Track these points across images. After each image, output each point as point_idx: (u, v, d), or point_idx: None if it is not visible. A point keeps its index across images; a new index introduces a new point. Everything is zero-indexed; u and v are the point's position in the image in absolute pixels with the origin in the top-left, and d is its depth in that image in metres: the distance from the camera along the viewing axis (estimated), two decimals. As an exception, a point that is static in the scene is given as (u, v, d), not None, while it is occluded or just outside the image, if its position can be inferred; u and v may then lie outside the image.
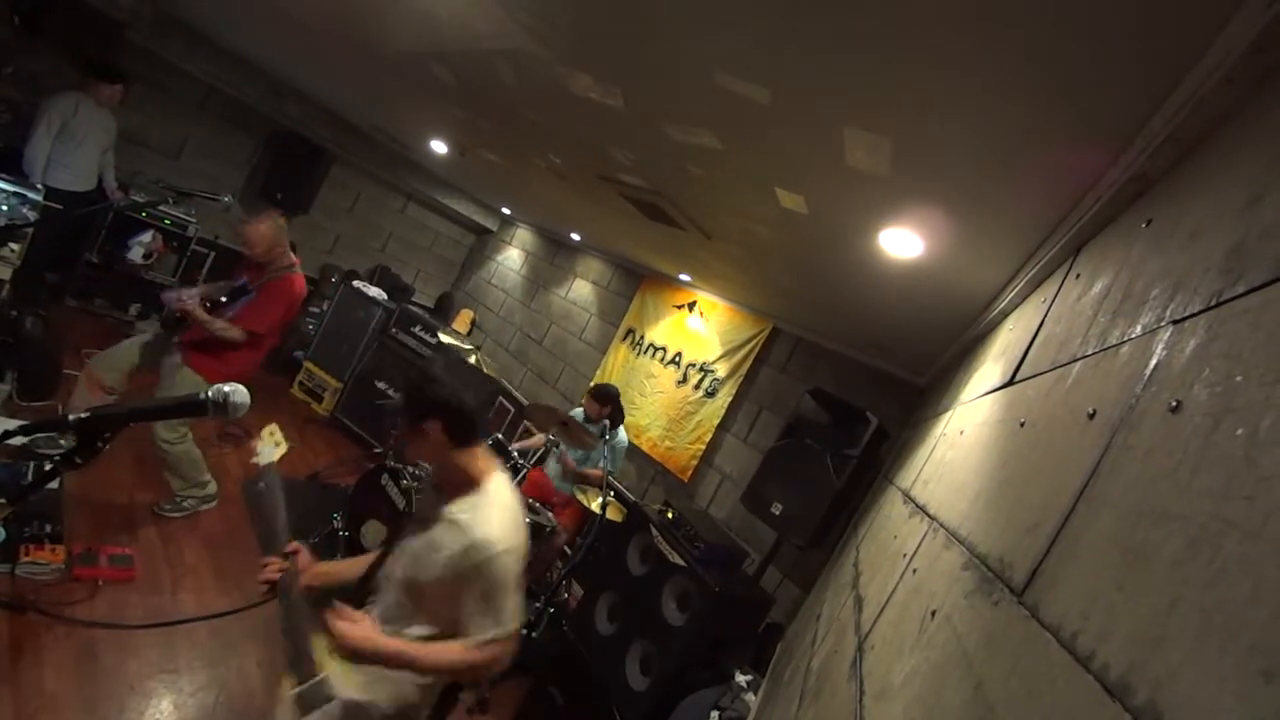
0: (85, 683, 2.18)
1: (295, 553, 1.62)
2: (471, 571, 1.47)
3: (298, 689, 1.41)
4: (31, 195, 3.56)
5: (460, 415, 1.57)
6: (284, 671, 1.48)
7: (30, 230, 3.52)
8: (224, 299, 3.13)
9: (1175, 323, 0.68)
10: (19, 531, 2.51)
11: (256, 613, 2.84)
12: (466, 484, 1.59)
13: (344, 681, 1.48)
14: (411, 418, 1.56)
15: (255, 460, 1.79)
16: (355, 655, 1.44)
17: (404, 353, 5.37)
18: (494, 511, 1.55)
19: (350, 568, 1.78)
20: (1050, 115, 1.16)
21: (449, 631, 1.53)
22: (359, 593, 1.67)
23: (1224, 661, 0.37)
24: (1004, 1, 0.95)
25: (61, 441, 2.98)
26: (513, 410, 6.18)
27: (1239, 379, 0.50)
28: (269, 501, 1.69)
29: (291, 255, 3.23)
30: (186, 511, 3.27)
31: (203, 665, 2.46)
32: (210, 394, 1.20)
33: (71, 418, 1.06)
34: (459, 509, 1.55)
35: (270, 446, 1.80)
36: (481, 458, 1.64)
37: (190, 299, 2.96)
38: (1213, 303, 0.62)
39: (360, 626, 1.45)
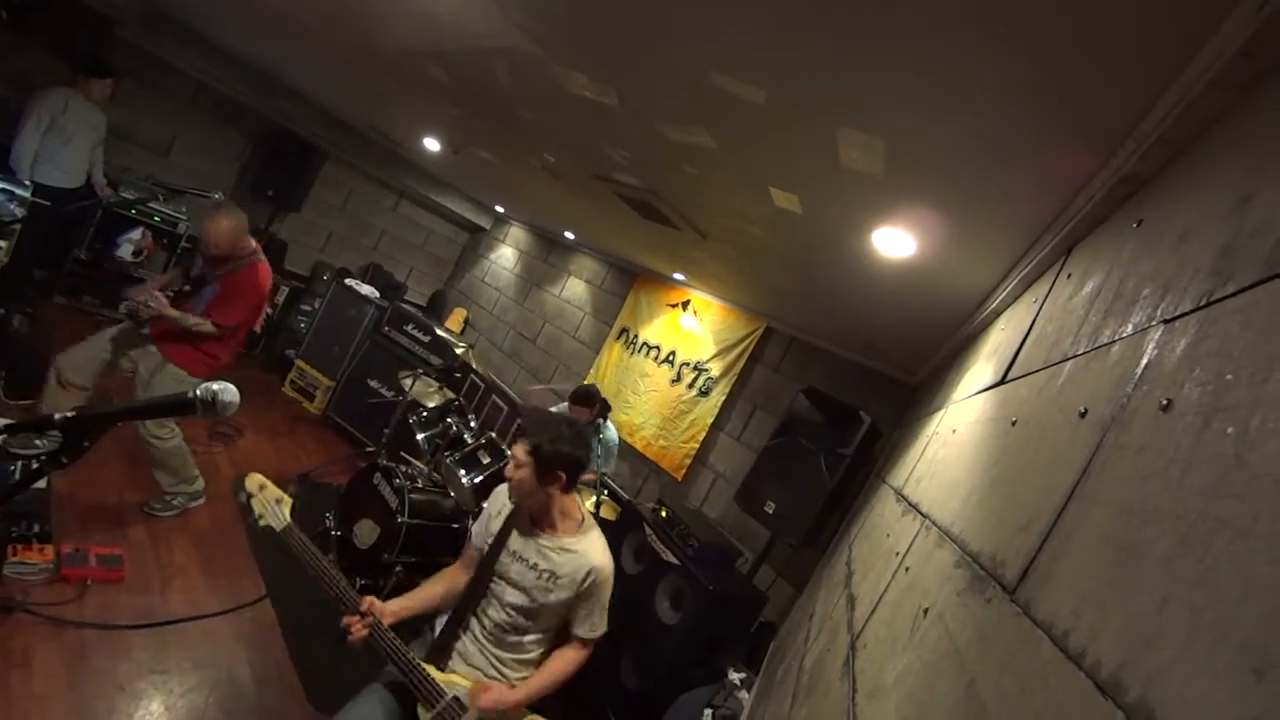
0: (74, 684, 2.16)
1: (370, 608, 1.79)
2: (590, 588, 1.86)
3: (434, 713, 1.67)
4: (19, 192, 3.52)
5: (580, 469, 1.88)
6: (420, 704, 1.72)
7: (18, 227, 3.49)
8: (186, 287, 3.04)
9: (1166, 322, 0.68)
10: (6, 531, 2.48)
11: (247, 613, 2.84)
12: (573, 521, 1.93)
13: (469, 693, 1.75)
14: (544, 469, 1.81)
15: (264, 524, 1.85)
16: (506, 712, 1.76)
17: (396, 351, 5.35)
18: (601, 543, 1.93)
19: (420, 599, 1.96)
20: (1043, 117, 1.16)
21: (555, 631, 1.93)
22: (456, 620, 1.90)
23: (1215, 659, 0.37)
24: (999, 4, 0.96)
25: (39, 442, 2.91)
26: (506, 409, 6.16)
27: (1229, 378, 0.51)
28: (309, 560, 1.81)
29: (252, 243, 3.12)
30: (177, 510, 3.24)
31: (193, 666, 2.44)
32: (199, 393, 1.18)
33: (58, 417, 1.05)
34: (574, 542, 1.89)
35: (273, 504, 1.84)
36: (576, 498, 1.98)
37: (149, 296, 2.87)
38: (1203, 302, 0.62)
39: (494, 694, 1.75)
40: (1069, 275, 1.29)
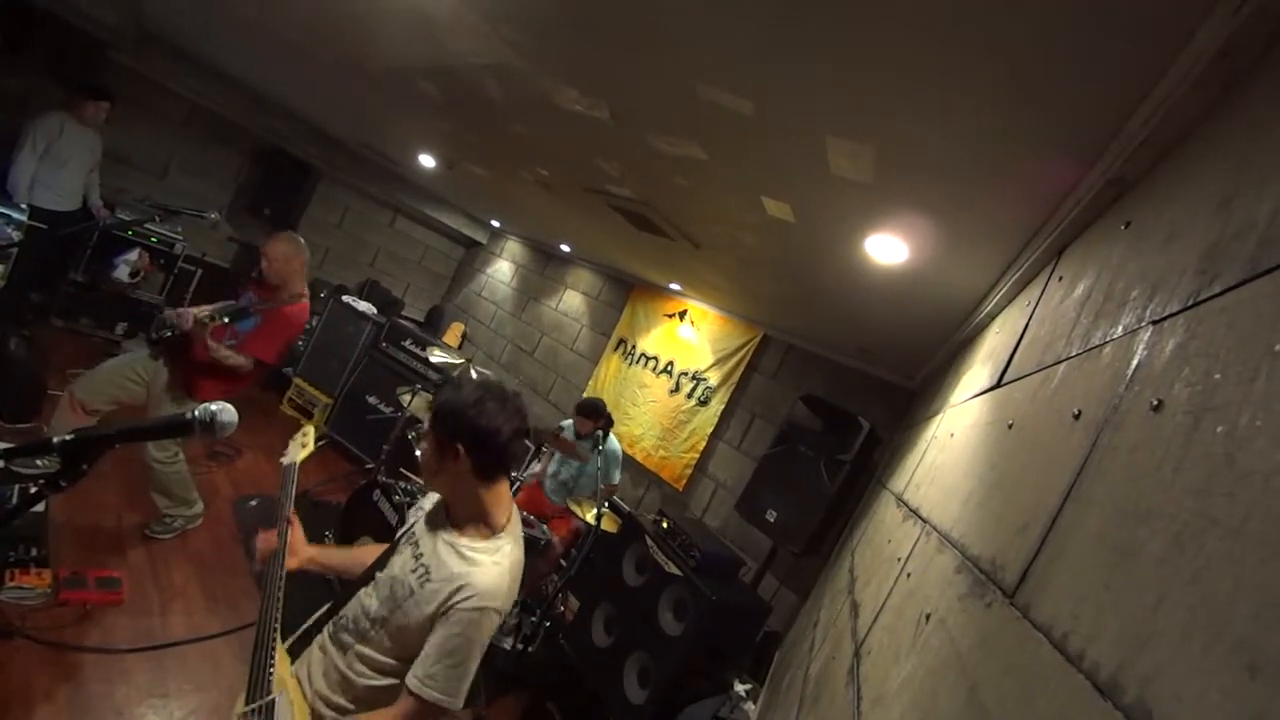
0: (73, 709, 2.14)
1: (290, 525, 1.56)
2: (453, 613, 1.35)
3: (246, 709, 1.26)
4: (16, 215, 3.53)
5: (491, 447, 1.42)
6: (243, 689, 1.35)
7: (15, 251, 3.49)
8: (226, 320, 2.97)
9: (1155, 323, 0.69)
10: (4, 556, 2.46)
11: (247, 634, 2.81)
12: (485, 523, 1.47)
13: (292, 713, 1.30)
14: (439, 437, 1.42)
15: (281, 459, 1.88)
16: None
17: (394, 367, 5.34)
18: (505, 564, 1.44)
19: (342, 559, 1.73)
20: (1029, 122, 1.18)
21: (396, 664, 1.43)
22: (333, 608, 1.55)
23: (1209, 658, 0.37)
24: (982, 12, 0.97)
25: (40, 463, 2.88)
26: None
27: (1217, 377, 0.51)
28: (286, 484, 1.74)
29: (304, 287, 3.11)
30: (176, 532, 3.22)
31: (193, 689, 2.42)
32: (197, 413, 1.18)
33: (56, 440, 1.04)
34: (470, 546, 1.43)
35: (297, 447, 1.92)
36: (504, 496, 1.52)
37: (194, 319, 2.82)
38: (1190, 303, 0.63)
39: None
40: (1060, 278, 1.30)
